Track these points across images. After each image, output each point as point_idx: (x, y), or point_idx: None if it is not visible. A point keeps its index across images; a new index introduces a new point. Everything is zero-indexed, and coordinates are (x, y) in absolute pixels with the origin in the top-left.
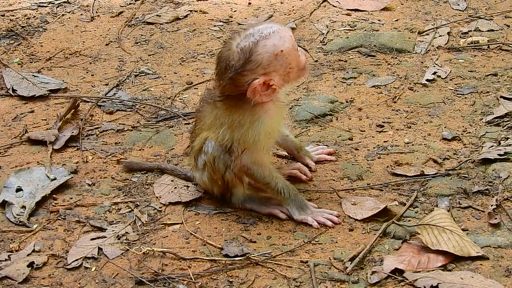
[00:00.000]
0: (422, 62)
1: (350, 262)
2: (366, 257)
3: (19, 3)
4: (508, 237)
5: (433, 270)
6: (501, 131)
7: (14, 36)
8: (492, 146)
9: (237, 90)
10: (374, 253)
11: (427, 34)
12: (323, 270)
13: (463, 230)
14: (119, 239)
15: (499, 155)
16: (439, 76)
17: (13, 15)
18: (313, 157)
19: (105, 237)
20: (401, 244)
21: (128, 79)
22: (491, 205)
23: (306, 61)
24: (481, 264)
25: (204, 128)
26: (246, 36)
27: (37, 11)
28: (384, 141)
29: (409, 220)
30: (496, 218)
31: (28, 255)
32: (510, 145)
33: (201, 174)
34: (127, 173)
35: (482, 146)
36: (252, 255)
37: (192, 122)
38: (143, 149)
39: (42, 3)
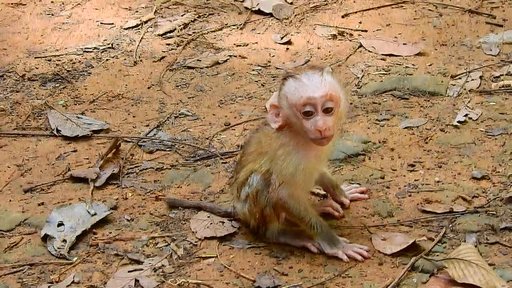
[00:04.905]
0: (454, 105)
1: None
2: None
3: (65, 48)
4: None
5: None
6: None
7: (60, 80)
8: None
9: None
10: (403, 286)
11: (459, 78)
12: None
13: (490, 265)
14: (155, 271)
15: None
16: (470, 118)
17: (59, 60)
18: (347, 196)
19: (142, 269)
20: (429, 277)
21: (168, 120)
22: None
23: (317, 133)
24: None
25: (249, 159)
26: (305, 68)
27: (82, 56)
28: (415, 180)
29: (437, 255)
30: None
31: (67, 286)
32: None
33: (242, 206)
34: (165, 209)
35: (511, 185)
36: (284, 287)
37: (228, 160)
38: (181, 187)
39: (88, 48)
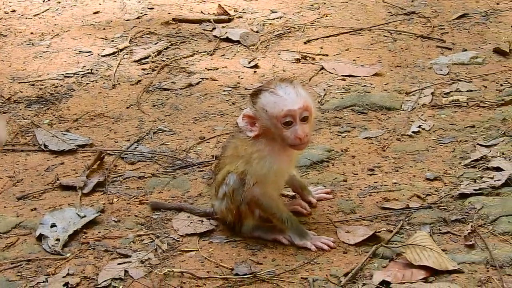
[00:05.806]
0: (408, 118)
1: (344, 277)
2: (358, 274)
3: (47, 74)
4: (480, 255)
5: (416, 282)
6: (477, 172)
7: (44, 102)
8: (468, 183)
9: None
10: (365, 270)
11: (413, 95)
12: (321, 285)
13: (442, 250)
14: (142, 263)
15: (475, 190)
16: (423, 129)
17: (42, 84)
18: (314, 196)
19: (130, 262)
20: (388, 262)
21: (147, 135)
22: (467, 230)
23: (296, 140)
24: (457, 277)
25: (227, 162)
26: (276, 82)
27: (63, 80)
28: (375, 182)
29: (396, 244)
30: (471, 241)
31: (63, 277)
32: (484, 182)
33: (220, 203)
34: (148, 211)
35: (460, 184)
36: (259, 273)
37: (205, 169)
38: (162, 192)
39: (68, 74)
